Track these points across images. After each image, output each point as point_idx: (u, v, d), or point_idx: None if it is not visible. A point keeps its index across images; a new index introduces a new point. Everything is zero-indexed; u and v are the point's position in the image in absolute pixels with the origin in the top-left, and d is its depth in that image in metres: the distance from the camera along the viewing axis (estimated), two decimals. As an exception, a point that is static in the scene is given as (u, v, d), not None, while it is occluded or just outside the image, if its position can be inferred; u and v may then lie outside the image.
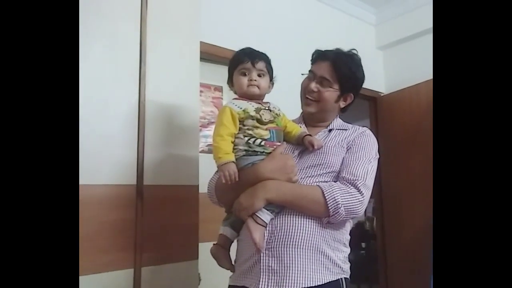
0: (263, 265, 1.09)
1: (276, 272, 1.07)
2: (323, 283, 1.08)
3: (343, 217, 1.09)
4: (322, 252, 1.10)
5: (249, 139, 1.14)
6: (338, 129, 1.29)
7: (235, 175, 1.08)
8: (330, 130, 1.29)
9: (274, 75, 1.26)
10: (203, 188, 1.32)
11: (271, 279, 1.07)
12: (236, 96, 1.23)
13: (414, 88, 3.25)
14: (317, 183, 1.12)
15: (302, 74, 1.32)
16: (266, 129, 1.16)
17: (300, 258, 1.08)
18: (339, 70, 1.24)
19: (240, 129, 1.15)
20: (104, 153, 1.38)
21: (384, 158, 3.30)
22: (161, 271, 1.47)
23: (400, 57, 3.55)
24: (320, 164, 1.17)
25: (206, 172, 1.40)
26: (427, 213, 2.89)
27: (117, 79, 1.45)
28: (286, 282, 1.06)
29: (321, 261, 1.10)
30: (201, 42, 1.74)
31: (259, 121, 1.15)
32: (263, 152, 1.14)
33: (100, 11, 1.43)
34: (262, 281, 1.08)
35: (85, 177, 1.26)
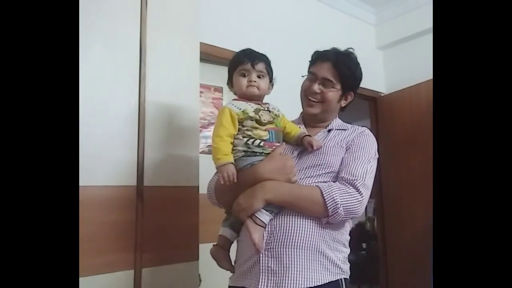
0: (262, 266, 1.09)
1: (276, 273, 1.07)
2: (323, 283, 1.08)
3: (342, 217, 1.09)
4: (321, 252, 1.10)
5: (248, 140, 1.14)
6: (338, 129, 1.29)
7: (233, 176, 1.09)
8: (329, 131, 1.29)
9: (274, 77, 1.26)
10: (203, 189, 1.32)
11: (271, 279, 1.07)
12: (235, 97, 1.23)
13: (414, 88, 3.25)
14: (316, 184, 1.13)
15: (303, 76, 1.33)
16: (265, 130, 1.16)
17: (299, 258, 1.08)
18: (340, 70, 1.25)
19: (239, 130, 1.15)
20: (104, 154, 1.38)
21: (384, 158, 3.30)
22: (162, 272, 1.47)
23: (400, 57, 3.55)
24: (319, 165, 1.17)
25: (206, 173, 1.40)
26: (427, 213, 2.89)
27: (117, 79, 1.45)
28: (285, 283, 1.06)
29: (321, 261, 1.10)
30: (201, 42, 1.74)
31: (258, 121, 1.15)
32: (262, 152, 1.15)
33: (100, 11, 1.43)
34: (262, 282, 1.08)
35: (85, 178, 1.26)
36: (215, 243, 1.22)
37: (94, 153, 1.35)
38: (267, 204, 1.09)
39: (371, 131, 1.30)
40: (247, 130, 1.14)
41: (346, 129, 1.29)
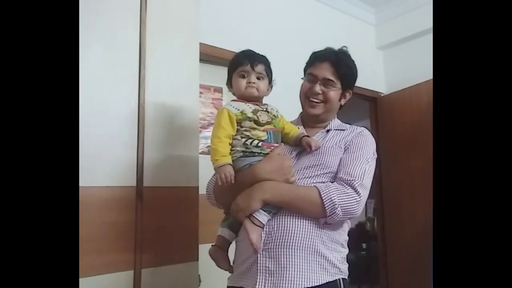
0: (260, 266, 1.09)
1: (273, 273, 1.08)
2: (321, 283, 1.08)
3: (340, 218, 1.09)
4: (319, 252, 1.10)
5: (246, 140, 1.14)
6: (336, 130, 1.30)
7: (231, 177, 1.09)
8: (327, 131, 1.30)
9: (273, 78, 1.26)
10: (203, 190, 1.33)
11: (268, 279, 1.08)
12: (234, 98, 1.23)
13: (414, 88, 3.24)
14: (315, 184, 1.13)
15: (302, 79, 1.34)
16: (264, 130, 1.16)
17: (297, 258, 1.08)
18: (339, 69, 1.26)
19: (237, 130, 1.15)
20: (104, 154, 1.38)
21: (385, 158, 3.31)
22: (161, 273, 1.47)
23: (400, 57, 3.55)
24: (317, 165, 1.17)
25: (206, 173, 1.40)
26: (427, 213, 2.89)
27: (116, 80, 1.45)
28: (283, 283, 1.06)
29: (319, 261, 1.10)
30: (200, 43, 1.74)
31: (257, 122, 1.15)
32: (261, 153, 1.15)
33: (99, 12, 1.43)
34: (259, 282, 1.08)
35: (85, 179, 1.26)
36: (213, 244, 1.22)
37: (93, 153, 1.35)
38: (265, 204, 1.10)
39: (370, 131, 1.30)
40: (245, 130, 1.15)
41: (344, 130, 1.30)
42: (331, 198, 1.08)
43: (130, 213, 1.42)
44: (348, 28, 3.39)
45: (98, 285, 1.31)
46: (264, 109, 1.20)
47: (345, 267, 1.18)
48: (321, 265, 1.10)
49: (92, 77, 1.37)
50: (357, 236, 4.58)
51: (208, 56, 2.26)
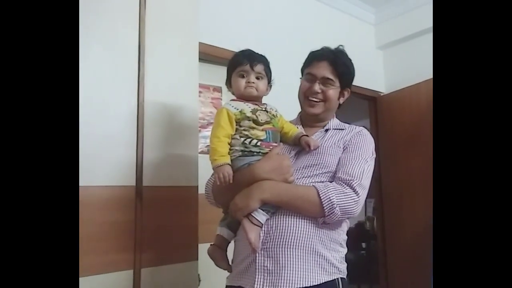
0: (258, 265, 1.09)
1: (272, 272, 1.08)
2: (319, 283, 1.08)
3: (338, 217, 1.09)
4: (317, 252, 1.10)
5: (245, 140, 1.14)
6: (335, 129, 1.30)
7: (229, 177, 1.09)
8: (326, 130, 1.30)
9: (272, 78, 1.27)
10: (203, 189, 1.33)
11: (267, 279, 1.08)
12: (234, 97, 1.23)
13: (414, 87, 3.24)
14: (313, 184, 1.13)
15: (300, 78, 1.34)
16: (262, 130, 1.16)
17: (295, 258, 1.08)
18: (338, 68, 1.27)
19: (236, 130, 1.15)
20: (103, 154, 1.38)
21: (384, 158, 3.32)
22: (161, 272, 1.47)
23: (400, 56, 3.55)
24: (316, 164, 1.17)
25: (205, 172, 1.40)
26: (427, 213, 2.89)
27: (116, 79, 1.45)
28: (281, 282, 1.06)
29: (317, 261, 1.10)
30: (200, 42, 1.74)
31: (255, 122, 1.16)
32: (259, 152, 1.15)
33: (99, 11, 1.43)
34: (258, 281, 1.08)
35: (84, 179, 1.26)
36: (212, 243, 1.22)
37: (93, 153, 1.35)
38: (264, 204, 1.10)
39: (369, 130, 1.30)
40: (244, 130, 1.15)
41: (343, 129, 1.30)
42: (329, 197, 1.08)
43: (130, 213, 1.42)
44: (348, 28, 3.39)
45: (98, 285, 1.31)
46: (263, 109, 1.20)
47: (343, 266, 1.18)
48: (319, 264, 1.10)
49: (91, 77, 1.37)
50: (356, 236, 4.59)
51: (207, 55, 2.26)
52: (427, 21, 2.98)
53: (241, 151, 1.14)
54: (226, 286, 1.21)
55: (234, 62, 1.23)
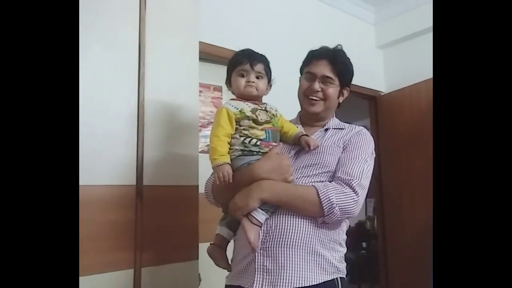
0: (257, 265, 1.09)
1: (271, 272, 1.08)
2: (318, 282, 1.08)
3: (337, 217, 1.09)
4: (317, 252, 1.11)
5: (244, 139, 1.15)
6: (335, 129, 1.30)
7: (229, 177, 1.10)
8: (326, 130, 1.30)
9: (272, 78, 1.27)
10: (203, 188, 1.33)
11: (266, 278, 1.08)
12: (234, 97, 1.24)
13: (414, 87, 3.24)
14: (313, 183, 1.13)
15: (300, 78, 1.34)
16: (262, 129, 1.16)
17: (295, 257, 1.08)
18: (337, 66, 1.27)
19: (236, 129, 1.16)
20: (104, 153, 1.38)
21: (384, 157, 3.32)
22: (161, 272, 1.47)
23: (400, 56, 3.54)
24: (316, 164, 1.18)
25: (205, 172, 1.40)
26: (427, 212, 2.89)
27: (116, 79, 1.45)
28: (280, 282, 1.06)
29: (316, 261, 1.10)
30: (200, 42, 1.74)
31: (255, 121, 1.16)
32: (259, 152, 1.15)
33: (99, 11, 1.43)
34: (257, 281, 1.08)
35: (84, 178, 1.26)
36: (212, 242, 1.22)
37: (93, 152, 1.35)
38: (263, 203, 1.10)
39: (370, 130, 1.30)
40: (244, 129, 1.15)
41: (343, 129, 1.30)
42: (329, 197, 1.08)
43: (130, 212, 1.42)
44: (348, 27, 3.39)
45: (98, 284, 1.32)
46: (263, 108, 1.20)
47: (343, 266, 1.18)
48: (319, 264, 1.10)
49: (92, 77, 1.37)
50: (357, 235, 4.59)
51: (208, 54, 2.26)
52: (427, 20, 2.98)
53: (241, 150, 1.15)
54: (226, 285, 1.21)
55: (234, 61, 1.23)
